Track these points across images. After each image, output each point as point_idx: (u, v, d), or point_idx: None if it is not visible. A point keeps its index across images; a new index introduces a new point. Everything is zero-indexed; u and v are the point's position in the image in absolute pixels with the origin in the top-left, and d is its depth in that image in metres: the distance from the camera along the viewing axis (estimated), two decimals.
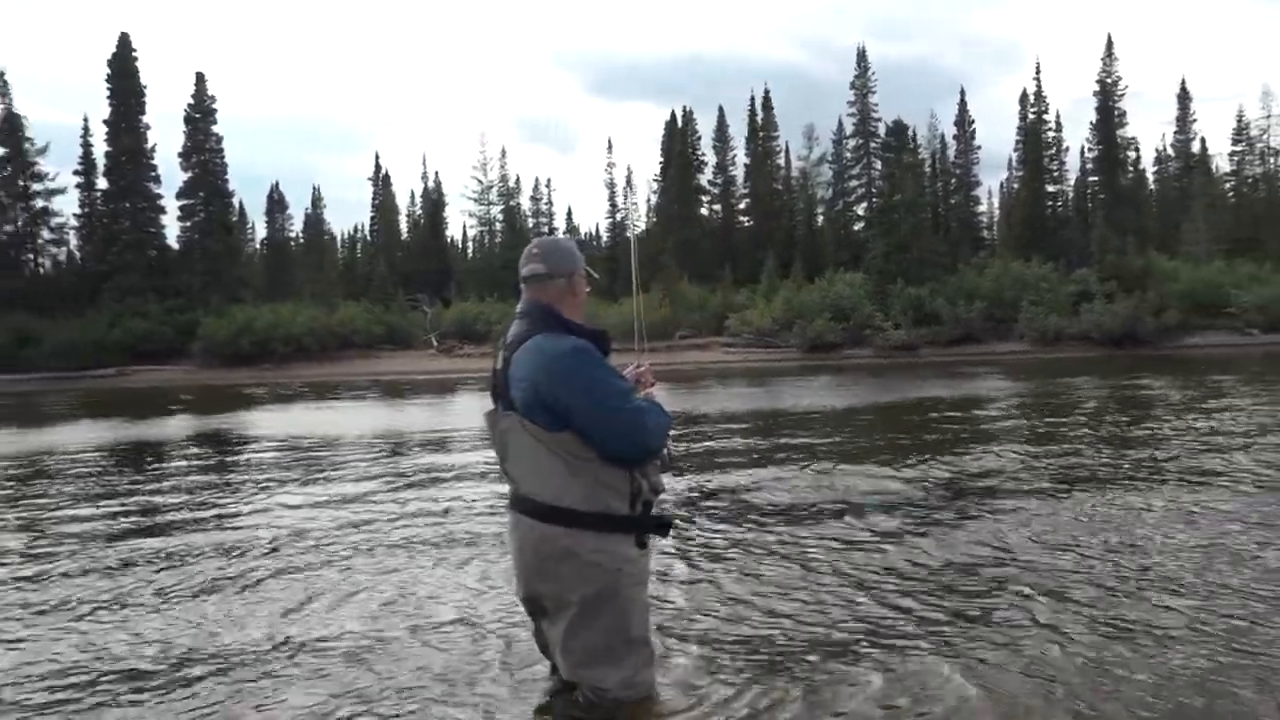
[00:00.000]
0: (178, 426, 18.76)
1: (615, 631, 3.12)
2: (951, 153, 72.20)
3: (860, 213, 71.17)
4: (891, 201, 54.13)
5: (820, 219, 74.74)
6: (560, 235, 3.36)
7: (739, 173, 73.77)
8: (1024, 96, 67.64)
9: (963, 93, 70.63)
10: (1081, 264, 50.76)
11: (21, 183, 59.34)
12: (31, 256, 61.25)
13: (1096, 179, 66.33)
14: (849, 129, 71.65)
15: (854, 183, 71.78)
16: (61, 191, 61.01)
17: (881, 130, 64.85)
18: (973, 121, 71.43)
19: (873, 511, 6.81)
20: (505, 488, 3.37)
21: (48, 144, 60.64)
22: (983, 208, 76.71)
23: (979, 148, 72.14)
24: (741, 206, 74.15)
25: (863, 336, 47.24)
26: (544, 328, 3.13)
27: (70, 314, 53.76)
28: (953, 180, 71.79)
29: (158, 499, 8.90)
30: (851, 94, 70.73)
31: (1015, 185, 72.38)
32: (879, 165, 65.83)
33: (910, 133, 61.43)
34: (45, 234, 61.31)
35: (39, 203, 60.36)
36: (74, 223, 61.90)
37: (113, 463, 12.37)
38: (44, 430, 18.66)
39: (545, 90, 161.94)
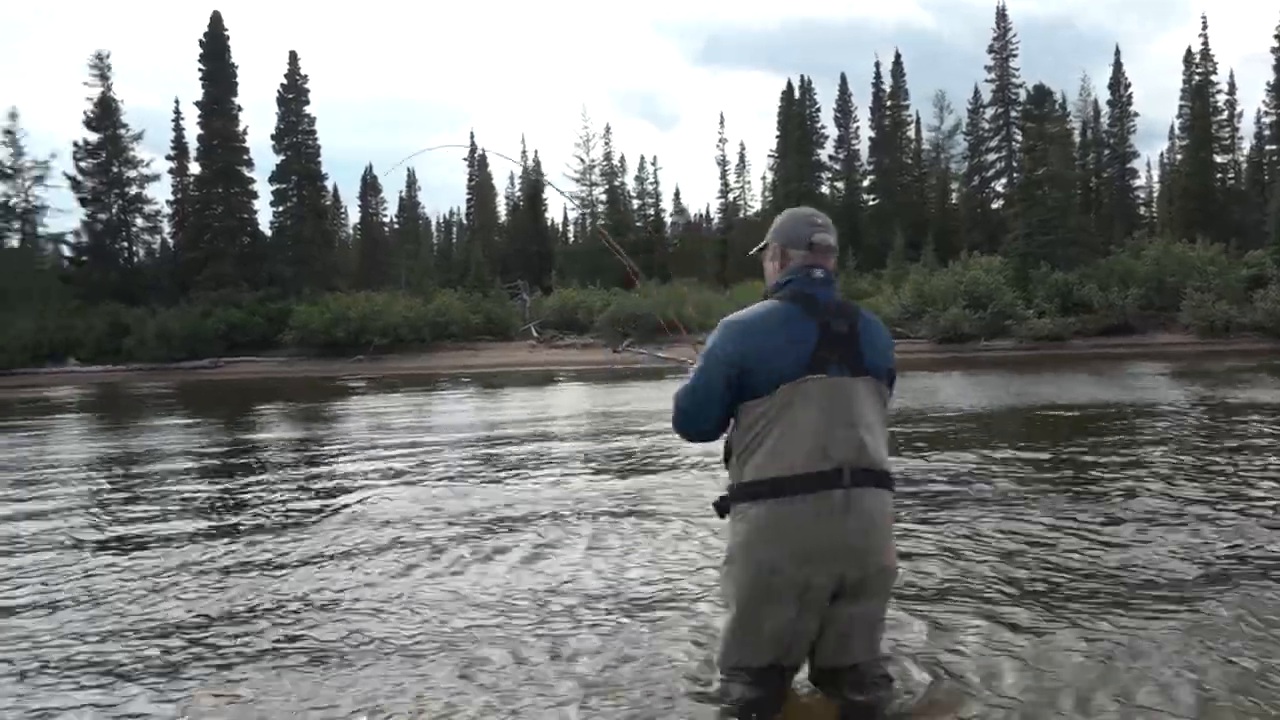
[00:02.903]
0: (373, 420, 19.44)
1: None
2: (1105, 120, 69.58)
3: (999, 189, 69.43)
4: (1034, 176, 52.56)
5: (954, 196, 73.15)
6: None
7: (863, 147, 72.77)
8: (1188, 55, 64.95)
9: (1118, 53, 67.51)
10: (1256, 244, 48.51)
11: (116, 169, 62.37)
12: (126, 245, 64.36)
13: (1274, 147, 63.16)
14: (986, 96, 69.91)
15: (992, 156, 70.01)
16: (155, 178, 64.05)
17: (1023, 97, 63.02)
18: (1129, 85, 68.53)
19: None
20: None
21: (143, 130, 63.74)
22: (1140, 182, 73.92)
23: (1136, 115, 69.22)
24: (866, 184, 73.10)
25: (1002, 326, 46.06)
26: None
27: (164, 303, 56.35)
28: (1106, 151, 69.19)
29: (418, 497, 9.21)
30: (989, 58, 68.99)
31: (1178, 156, 69.51)
32: (1020, 136, 63.94)
33: (1058, 99, 59.52)
34: (139, 221, 64.39)
35: (133, 189, 63.39)
36: (167, 210, 64.95)
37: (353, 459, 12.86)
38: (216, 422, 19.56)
39: (645, 62, 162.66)
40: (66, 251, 63.95)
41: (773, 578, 3.17)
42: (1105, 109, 69.18)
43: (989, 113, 69.87)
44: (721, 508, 3.36)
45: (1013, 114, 66.95)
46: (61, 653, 4.40)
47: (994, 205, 68.95)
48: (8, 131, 58.81)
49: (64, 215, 73.79)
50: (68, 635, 4.67)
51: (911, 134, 73.36)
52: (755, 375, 3.17)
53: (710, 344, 3.26)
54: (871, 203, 72.02)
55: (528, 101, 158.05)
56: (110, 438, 16.62)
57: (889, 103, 71.45)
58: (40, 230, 61.76)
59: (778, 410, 3.16)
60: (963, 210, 70.85)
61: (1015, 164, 65.20)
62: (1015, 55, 68.39)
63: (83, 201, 61.81)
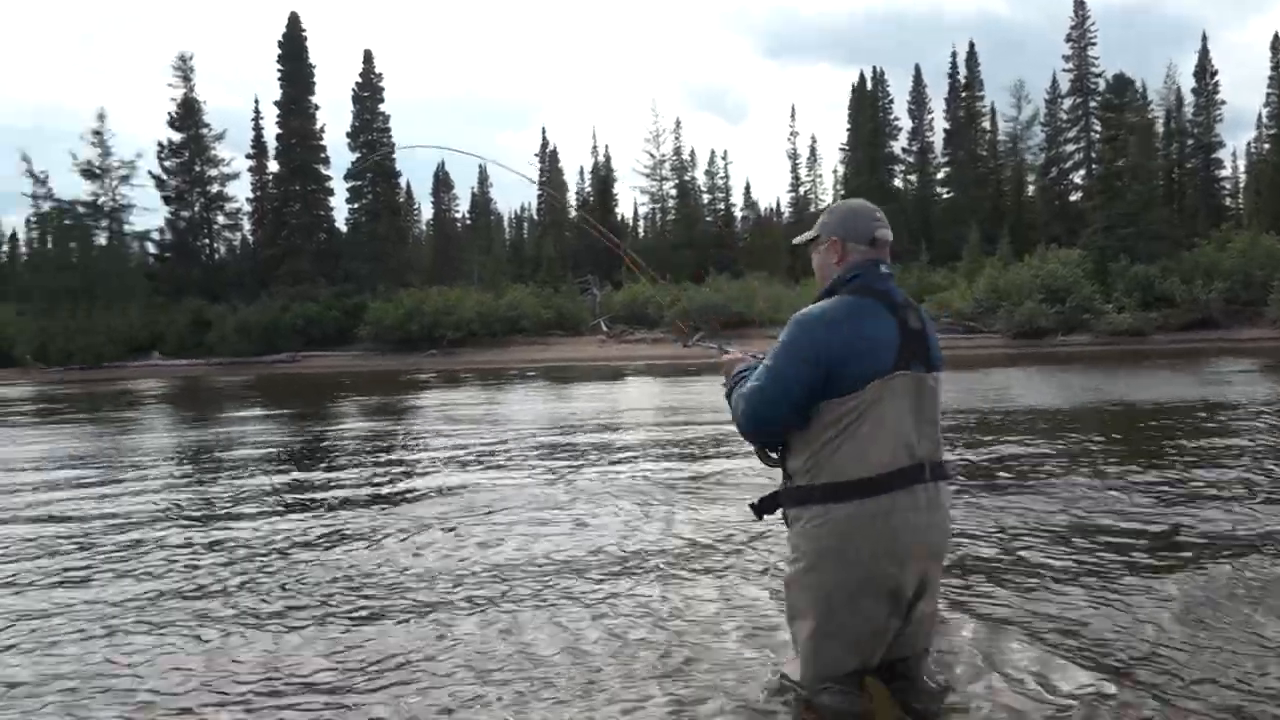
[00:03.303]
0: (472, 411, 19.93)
1: None
2: (1189, 110, 67.69)
3: (1078, 180, 68.02)
4: (1114, 167, 51.45)
5: (1031, 188, 71.85)
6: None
7: (937, 139, 71.83)
8: (1276, 41, 62.87)
9: (1204, 39, 66.01)
10: None
11: (198, 168, 64.10)
12: (208, 242, 66.12)
13: None
14: (1064, 86, 68.50)
15: (1070, 147, 68.56)
16: (236, 177, 65.80)
17: (1102, 87, 61.62)
18: (1215, 73, 66.54)
19: None
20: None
21: (224, 130, 65.39)
22: (1226, 172, 71.75)
23: (1223, 103, 67.29)
24: (940, 176, 72.16)
25: (1080, 321, 45.20)
26: None
27: (244, 299, 57.85)
28: (1190, 142, 67.32)
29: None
30: (1067, 47, 67.56)
31: (1265, 146, 67.35)
32: (1099, 127, 62.53)
33: (1138, 87, 58.12)
34: (220, 219, 66.16)
35: (215, 188, 65.08)
36: (247, 207, 66.61)
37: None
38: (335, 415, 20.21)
39: (714, 56, 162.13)
40: (151, 249, 65.98)
41: (866, 580, 3.12)
42: (1189, 97, 67.38)
43: (1067, 103, 68.46)
44: (764, 509, 3.34)
45: (1092, 104, 65.50)
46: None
47: (1072, 197, 67.57)
48: (96, 133, 60.72)
49: (149, 213, 75.88)
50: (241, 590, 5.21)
51: (987, 125, 72.19)
52: (842, 372, 3.08)
53: (788, 340, 3.15)
54: (945, 196, 71.05)
55: (598, 97, 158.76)
56: (209, 426, 17.24)
57: (964, 93, 70.39)
58: (127, 228, 63.70)
59: (867, 407, 3.08)
60: (1039, 203, 69.54)
61: (1094, 155, 63.82)
62: (1094, 44, 66.94)
63: (166, 200, 63.78)
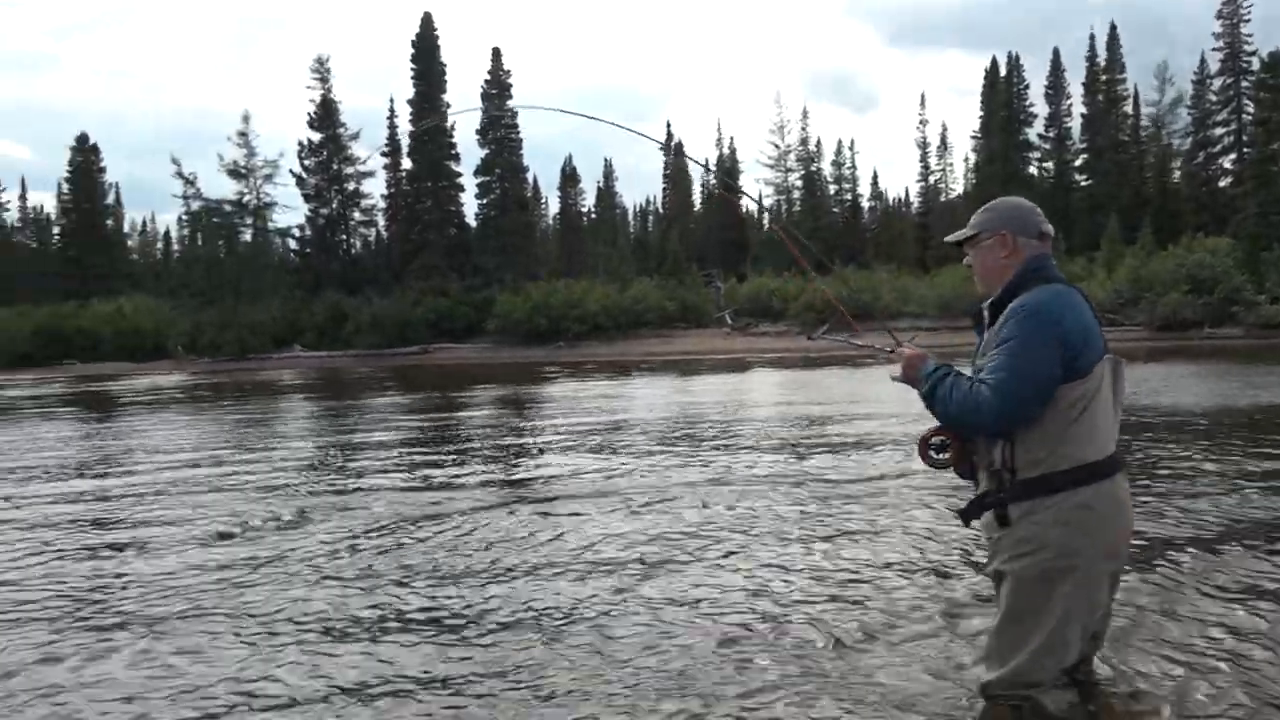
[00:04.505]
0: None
1: None
2: None
3: (1228, 165, 64.75)
4: (1269, 151, 48.80)
5: (1176, 174, 68.72)
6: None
7: (1075, 124, 69.28)
8: None
9: None
10: None
11: (336, 166, 66.39)
12: (345, 238, 68.49)
13: None
14: (1214, 66, 65.28)
15: (1219, 130, 65.32)
16: (371, 174, 67.86)
17: (1256, 66, 58.43)
18: None
19: None
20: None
21: (360, 129, 67.57)
22: None
23: None
24: (1078, 163, 69.57)
25: (1229, 313, 43.09)
26: None
27: (379, 293, 59.75)
28: None
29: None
30: (1217, 24, 64.38)
31: None
32: (1253, 108, 59.35)
33: None
34: (357, 215, 68.38)
35: (351, 185, 67.26)
36: (382, 204, 68.68)
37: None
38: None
39: (839, 45, 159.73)
40: (292, 245, 68.59)
41: (1105, 566, 3.17)
42: None
43: (1216, 84, 65.25)
44: (972, 514, 3.29)
45: (1244, 84, 62.26)
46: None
47: (1221, 183, 64.39)
48: (241, 134, 63.36)
49: (291, 211, 78.92)
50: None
51: (1128, 109, 69.28)
52: (1076, 356, 3.10)
53: (1031, 331, 3.09)
54: (1084, 183, 68.52)
55: (722, 89, 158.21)
56: (367, 413, 17.99)
57: (1103, 77, 67.69)
58: (270, 225, 66.33)
59: (1094, 390, 3.12)
60: (1185, 189, 66.51)
61: (1246, 138, 60.64)
62: (1247, 20, 63.59)
63: (306, 198, 66.20)
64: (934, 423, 3.32)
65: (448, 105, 65.05)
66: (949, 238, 3.54)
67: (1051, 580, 3.12)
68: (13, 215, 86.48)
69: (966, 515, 3.32)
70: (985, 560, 3.44)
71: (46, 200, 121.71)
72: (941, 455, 3.31)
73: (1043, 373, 3.06)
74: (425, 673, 3.99)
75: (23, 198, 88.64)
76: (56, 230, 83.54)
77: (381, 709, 3.67)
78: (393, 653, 4.24)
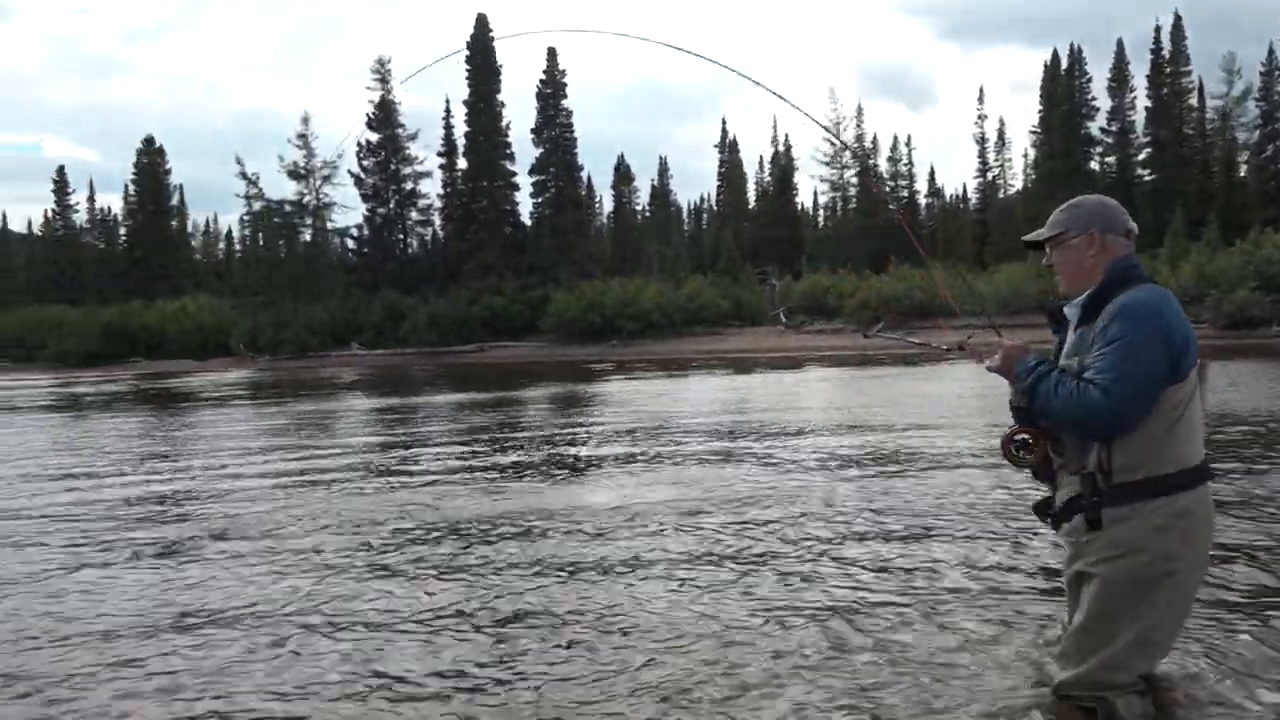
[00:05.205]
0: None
1: None
2: None
3: None
4: None
5: (1243, 168, 67.07)
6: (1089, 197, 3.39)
7: (1139, 118, 67.89)
8: None
9: None
10: None
11: (394, 167, 67.12)
12: (401, 237, 69.23)
13: None
14: None
15: None
16: (428, 174, 68.48)
17: None
18: None
19: None
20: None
21: (417, 129, 68.10)
22: None
23: None
24: (1141, 157, 68.19)
25: None
26: None
27: (435, 292, 60.33)
28: None
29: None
30: None
31: None
32: None
33: None
34: (414, 215, 69.10)
35: (408, 185, 68.00)
36: (438, 204, 69.31)
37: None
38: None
39: (893, 41, 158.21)
40: (350, 244, 69.47)
41: (1193, 578, 3.14)
42: None
43: None
44: (1064, 517, 3.19)
45: None
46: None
47: None
48: (301, 135, 64.35)
49: (349, 211, 79.90)
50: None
51: (1194, 102, 67.72)
52: (1181, 357, 3.03)
53: (1143, 330, 3.00)
54: (1147, 178, 67.13)
55: (777, 84, 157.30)
56: (437, 410, 18.26)
57: (1168, 69, 66.26)
58: (329, 225, 67.28)
59: (1191, 392, 3.07)
60: (1252, 183, 64.86)
61: None
62: None
63: (364, 197, 67.07)
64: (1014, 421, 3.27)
65: (502, 105, 65.58)
66: (1030, 236, 3.41)
67: (1144, 584, 3.06)
68: (81, 217, 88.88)
69: (1058, 519, 3.21)
70: (1065, 562, 3.32)
71: (114, 202, 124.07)
72: (1026, 454, 3.23)
73: (1154, 374, 2.99)
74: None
75: (91, 199, 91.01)
76: (123, 231, 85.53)
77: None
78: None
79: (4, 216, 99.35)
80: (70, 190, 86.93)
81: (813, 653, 4.05)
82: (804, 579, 5.20)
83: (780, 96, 4.60)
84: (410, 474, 9.84)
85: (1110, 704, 3.10)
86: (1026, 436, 3.22)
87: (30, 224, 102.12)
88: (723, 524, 6.60)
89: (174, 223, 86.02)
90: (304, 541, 6.62)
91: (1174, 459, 3.03)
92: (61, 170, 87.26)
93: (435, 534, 6.71)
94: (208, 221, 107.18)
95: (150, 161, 79.78)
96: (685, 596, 4.92)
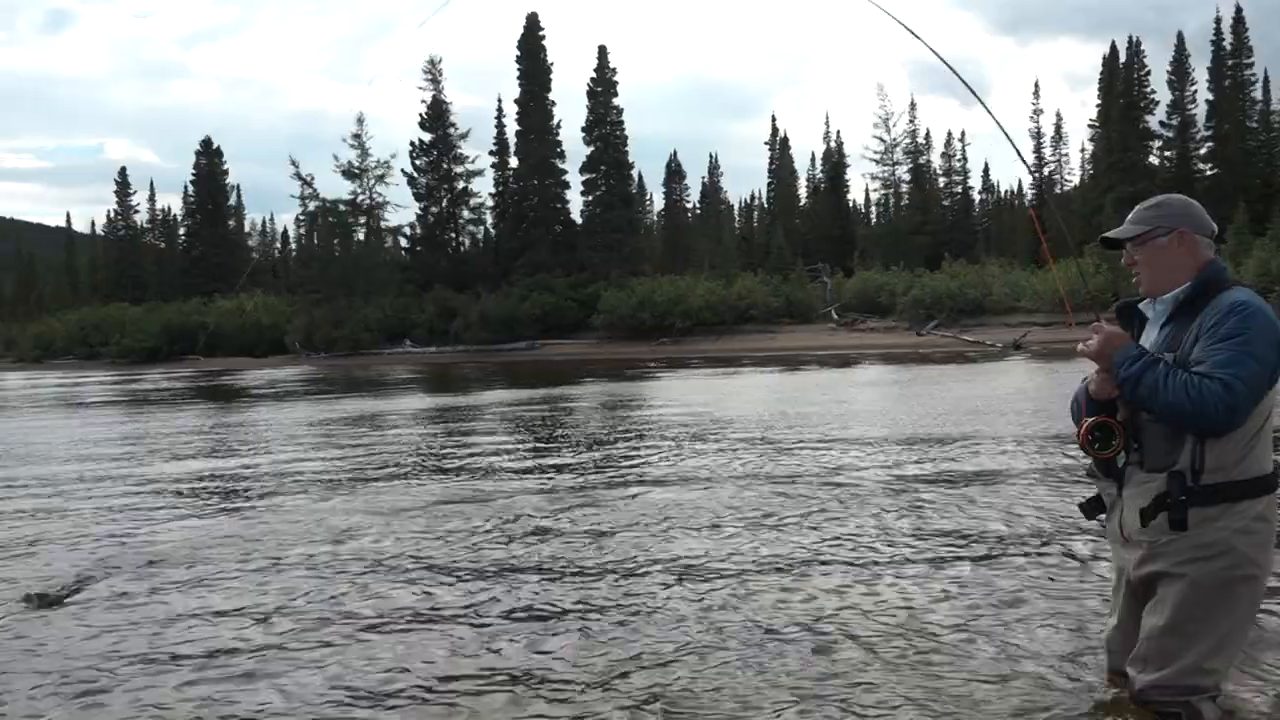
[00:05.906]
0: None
1: None
2: None
3: None
4: None
5: None
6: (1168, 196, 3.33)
7: (1200, 112, 66.52)
8: None
9: None
10: None
11: (446, 166, 67.70)
12: (453, 235, 69.84)
13: None
14: None
15: None
16: (480, 173, 68.96)
17: None
18: None
19: None
20: None
21: (469, 129, 68.62)
22: None
23: None
24: (1202, 152, 66.82)
25: None
26: None
27: (487, 289, 60.79)
28: None
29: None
30: None
31: None
32: None
33: None
34: (465, 213, 69.64)
35: (460, 184, 68.54)
36: (490, 202, 69.75)
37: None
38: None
39: (945, 35, 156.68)
40: (403, 243, 70.20)
41: (1264, 584, 3.13)
42: None
43: None
44: (1151, 515, 3.09)
45: None
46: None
47: None
48: (355, 136, 65.10)
49: (402, 210, 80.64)
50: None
51: (1257, 95, 66.23)
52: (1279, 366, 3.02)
53: (1261, 329, 2.97)
54: (1208, 172, 65.75)
55: (829, 81, 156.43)
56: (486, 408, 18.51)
57: (1229, 61, 64.86)
58: (382, 224, 68.01)
59: (1275, 401, 3.06)
60: None
61: None
62: None
63: (417, 196, 67.81)
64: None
65: (553, 103, 65.87)
66: (1112, 233, 3.31)
67: (1230, 588, 3.02)
68: (142, 217, 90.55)
69: (1145, 515, 3.09)
70: (1135, 563, 3.19)
71: (173, 202, 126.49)
72: (1108, 444, 3.15)
73: (1268, 375, 2.97)
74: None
75: (151, 200, 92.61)
76: (182, 231, 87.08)
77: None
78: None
79: (69, 217, 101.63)
80: (132, 191, 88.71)
81: (889, 658, 4.02)
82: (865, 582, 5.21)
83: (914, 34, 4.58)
84: (469, 471, 9.96)
85: (1195, 709, 3.04)
86: (1110, 424, 3.15)
87: (94, 224, 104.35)
88: (796, 528, 6.57)
89: (231, 222, 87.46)
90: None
91: (1257, 463, 3.01)
92: (123, 171, 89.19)
93: (506, 534, 6.81)
94: (264, 221, 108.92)
95: (208, 162, 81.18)
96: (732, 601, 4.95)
